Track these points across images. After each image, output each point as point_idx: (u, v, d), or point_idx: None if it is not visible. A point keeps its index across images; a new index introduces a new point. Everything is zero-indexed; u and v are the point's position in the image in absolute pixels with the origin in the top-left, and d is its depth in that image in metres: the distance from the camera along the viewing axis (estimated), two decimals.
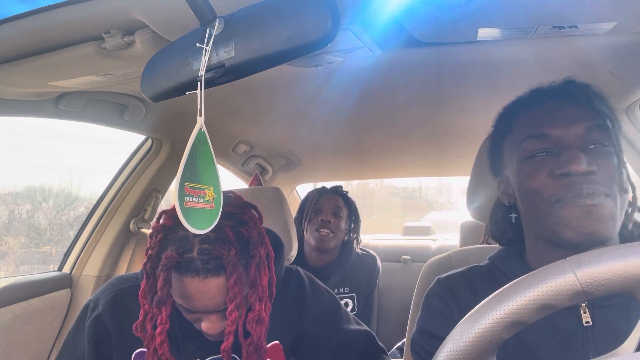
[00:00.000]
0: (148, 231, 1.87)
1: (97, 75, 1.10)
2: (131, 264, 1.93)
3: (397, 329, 2.20)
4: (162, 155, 1.83)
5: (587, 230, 0.67)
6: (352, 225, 2.10)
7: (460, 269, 0.87)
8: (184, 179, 0.64)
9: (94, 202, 1.87)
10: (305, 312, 1.08)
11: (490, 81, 1.25)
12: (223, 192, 0.72)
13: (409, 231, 3.27)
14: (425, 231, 3.22)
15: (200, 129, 0.66)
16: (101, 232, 1.83)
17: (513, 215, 0.83)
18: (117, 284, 1.04)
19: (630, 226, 0.76)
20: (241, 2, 0.65)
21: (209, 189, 0.69)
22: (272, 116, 1.69)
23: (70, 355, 1.02)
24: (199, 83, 0.64)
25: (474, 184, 1.10)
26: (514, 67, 1.14)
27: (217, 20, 0.63)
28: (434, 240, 2.83)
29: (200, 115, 0.66)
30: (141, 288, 0.88)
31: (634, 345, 0.43)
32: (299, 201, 2.25)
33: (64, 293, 1.72)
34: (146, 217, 1.89)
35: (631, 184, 0.73)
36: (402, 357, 1.71)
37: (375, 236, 3.05)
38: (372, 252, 2.19)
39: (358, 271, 2.07)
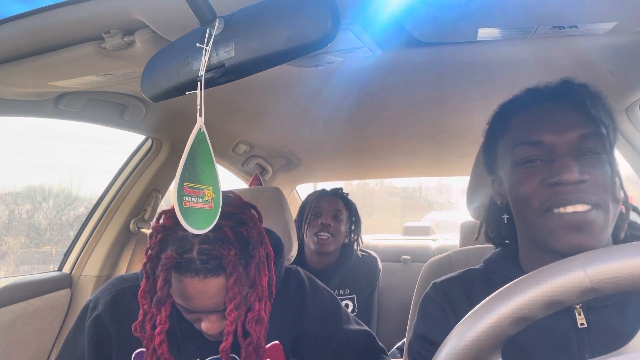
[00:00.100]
0: (148, 231, 1.86)
1: (97, 75, 1.10)
2: (131, 264, 1.93)
3: (397, 329, 2.20)
4: (162, 155, 1.83)
5: (575, 243, 0.67)
6: (353, 228, 2.09)
7: (455, 273, 0.87)
8: (183, 179, 0.64)
9: (94, 202, 1.87)
10: (305, 312, 1.08)
11: (490, 81, 1.25)
12: (222, 192, 0.72)
13: (409, 231, 3.27)
14: (425, 231, 3.22)
15: (200, 129, 0.66)
16: (101, 232, 1.83)
17: (505, 217, 0.83)
18: (117, 284, 1.04)
19: (622, 235, 0.75)
20: (241, 2, 0.65)
21: (208, 189, 0.69)
22: (272, 116, 1.69)
23: (70, 355, 1.02)
24: (199, 83, 0.64)
25: (473, 184, 1.10)
26: (514, 67, 1.14)
27: (217, 20, 0.63)
28: (434, 240, 2.83)
29: (200, 115, 0.66)
30: (141, 288, 0.88)
31: None
32: (299, 201, 2.24)
33: (64, 293, 1.72)
34: (146, 217, 1.89)
35: (624, 193, 0.72)
36: (402, 357, 1.71)
37: (375, 236, 3.05)
38: (372, 253, 2.18)
39: (358, 273, 2.06)
